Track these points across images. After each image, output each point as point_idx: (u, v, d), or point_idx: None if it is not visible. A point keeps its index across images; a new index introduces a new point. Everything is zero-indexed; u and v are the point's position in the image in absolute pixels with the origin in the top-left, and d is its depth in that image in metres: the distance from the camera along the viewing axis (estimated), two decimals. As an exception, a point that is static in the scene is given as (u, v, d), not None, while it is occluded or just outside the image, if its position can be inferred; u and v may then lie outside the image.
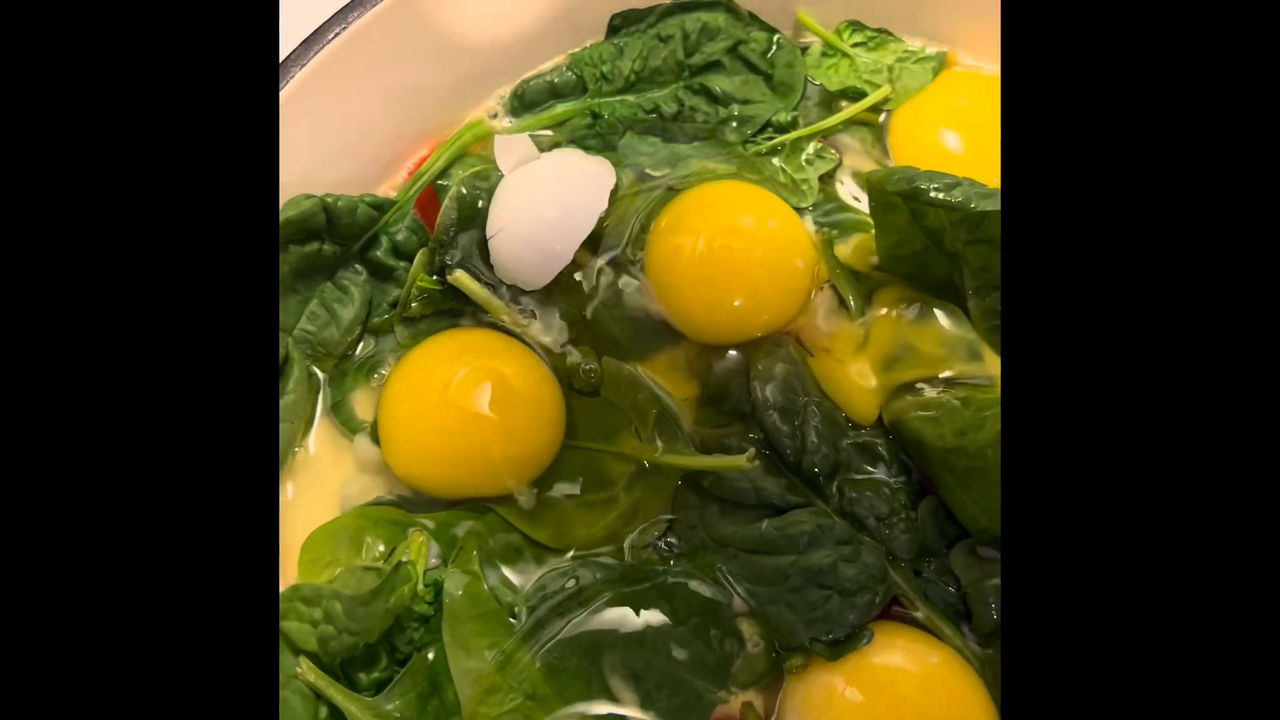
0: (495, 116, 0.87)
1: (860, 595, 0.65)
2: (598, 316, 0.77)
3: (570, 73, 0.87)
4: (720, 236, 0.75)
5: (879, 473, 0.71)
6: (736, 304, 0.74)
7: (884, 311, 0.75)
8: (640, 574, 0.69)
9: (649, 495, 0.72)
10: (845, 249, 0.80)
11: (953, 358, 0.73)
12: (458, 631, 0.66)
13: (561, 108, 0.86)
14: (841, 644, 0.64)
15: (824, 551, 0.66)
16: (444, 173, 0.81)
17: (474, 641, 0.66)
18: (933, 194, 0.68)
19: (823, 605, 0.65)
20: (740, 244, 0.76)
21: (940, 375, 0.73)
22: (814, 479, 0.70)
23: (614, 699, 0.65)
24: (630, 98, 0.86)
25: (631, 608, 0.67)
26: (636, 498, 0.72)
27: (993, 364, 0.73)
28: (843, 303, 0.77)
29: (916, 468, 0.71)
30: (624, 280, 0.77)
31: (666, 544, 0.71)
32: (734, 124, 0.84)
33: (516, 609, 0.67)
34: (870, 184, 0.72)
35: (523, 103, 0.87)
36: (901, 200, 0.70)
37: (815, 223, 0.81)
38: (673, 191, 0.81)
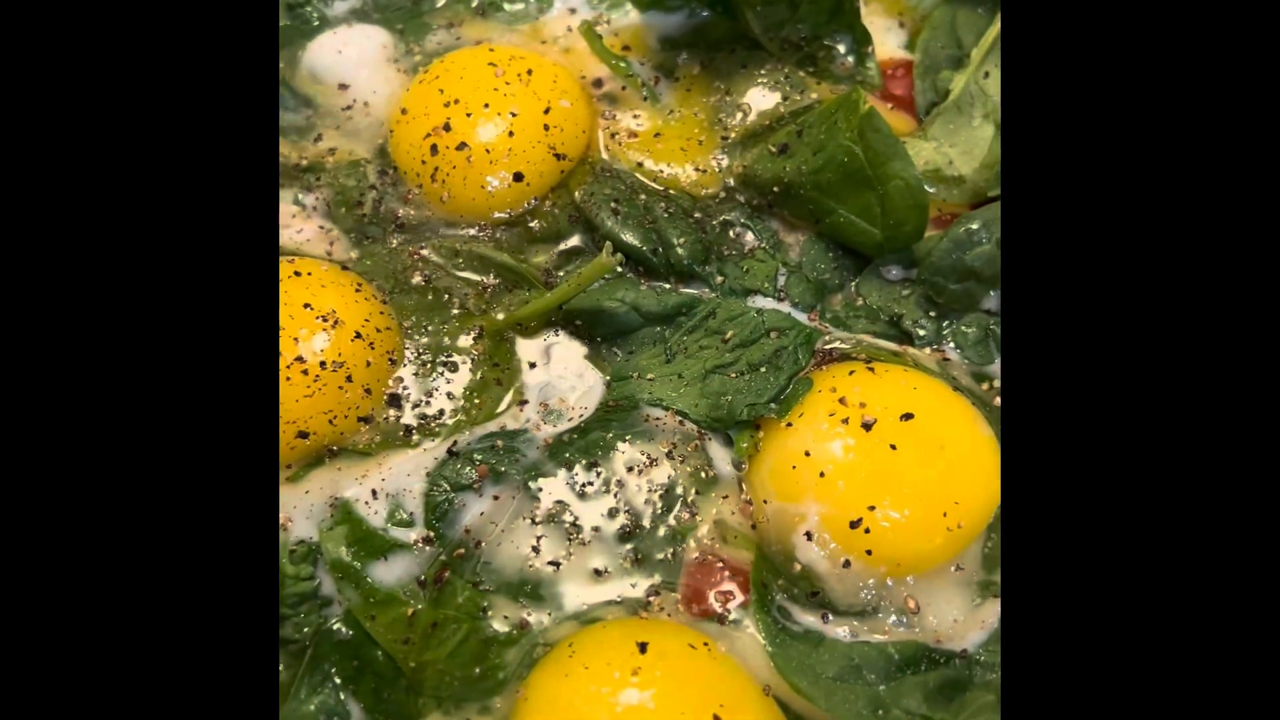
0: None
1: (782, 356, 0.58)
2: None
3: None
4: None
5: (749, 239, 0.64)
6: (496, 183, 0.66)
7: (687, 84, 0.70)
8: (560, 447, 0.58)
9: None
10: (615, 39, 0.72)
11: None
12: (363, 587, 0.54)
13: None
14: (783, 402, 0.56)
15: (735, 330, 0.59)
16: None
17: (385, 588, 0.54)
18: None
19: (750, 376, 0.58)
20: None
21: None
22: (689, 271, 0.62)
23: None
24: None
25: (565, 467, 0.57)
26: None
27: (808, 83, 0.69)
28: (644, 97, 0.70)
29: (790, 216, 0.64)
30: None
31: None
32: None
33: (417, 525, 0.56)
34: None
35: None
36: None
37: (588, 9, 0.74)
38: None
